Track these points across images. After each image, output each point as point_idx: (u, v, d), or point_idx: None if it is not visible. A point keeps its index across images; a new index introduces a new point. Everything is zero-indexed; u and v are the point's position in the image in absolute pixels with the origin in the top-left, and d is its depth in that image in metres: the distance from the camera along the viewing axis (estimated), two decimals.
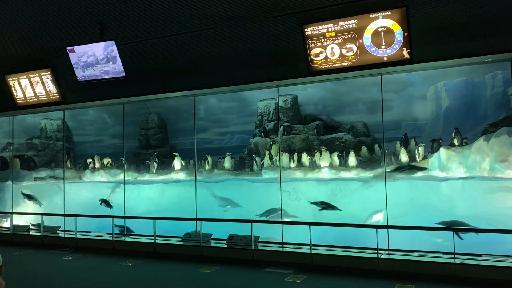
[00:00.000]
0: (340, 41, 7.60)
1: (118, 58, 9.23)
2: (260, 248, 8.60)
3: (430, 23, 7.13)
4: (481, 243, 7.51)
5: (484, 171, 8.17)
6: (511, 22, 6.86)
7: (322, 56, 7.77)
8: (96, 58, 9.46)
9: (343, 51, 7.64)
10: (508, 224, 7.44)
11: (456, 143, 8.75)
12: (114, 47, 9.12)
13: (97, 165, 13.04)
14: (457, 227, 7.64)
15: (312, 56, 7.83)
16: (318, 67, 7.89)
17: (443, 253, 7.44)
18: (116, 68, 9.39)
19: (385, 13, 7.10)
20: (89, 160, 13.28)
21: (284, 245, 8.83)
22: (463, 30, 7.05)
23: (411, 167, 9.10)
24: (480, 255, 7.22)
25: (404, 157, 9.29)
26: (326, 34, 7.59)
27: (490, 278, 6.55)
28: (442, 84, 9.27)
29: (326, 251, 8.10)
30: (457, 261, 6.94)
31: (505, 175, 7.83)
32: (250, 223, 8.72)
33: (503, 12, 6.74)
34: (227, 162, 11.26)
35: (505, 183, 7.86)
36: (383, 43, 7.28)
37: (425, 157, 9.05)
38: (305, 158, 10.27)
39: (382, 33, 7.24)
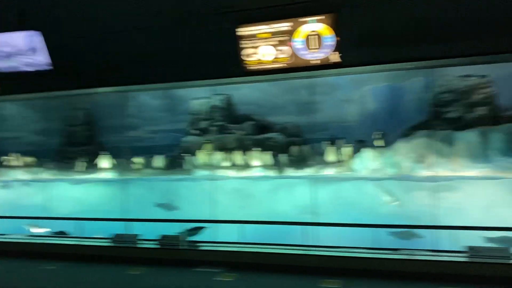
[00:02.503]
0: (273, 43, 7.72)
1: (44, 49, 8.63)
2: (192, 248, 8.51)
3: (360, 29, 7.47)
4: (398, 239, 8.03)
5: (404, 171, 8.78)
6: (430, 32, 7.36)
7: (255, 57, 7.86)
8: (18, 49, 8.78)
9: (276, 53, 7.78)
10: (424, 220, 8.01)
11: (379, 144, 9.29)
12: (40, 38, 8.51)
13: (16, 162, 12.14)
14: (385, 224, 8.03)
15: (245, 57, 7.88)
16: (251, 68, 7.96)
17: (368, 248, 7.82)
18: (41, 60, 8.77)
19: (318, 18, 7.31)
20: (3, 158, 12.29)
21: (217, 244, 8.80)
22: (390, 37, 7.47)
23: (338, 167, 9.53)
24: (396, 249, 7.67)
25: (331, 157, 9.69)
26: (259, 35, 7.69)
27: (408, 271, 7.02)
28: (367, 89, 9.80)
29: (258, 249, 8.20)
30: (380, 256, 7.35)
31: (422, 175, 8.46)
32: (182, 223, 8.60)
33: (424, 22, 7.22)
34: (159, 161, 11.02)
35: (422, 182, 8.49)
36: (316, 47, 7.51)
37: (350, 158, 9.51)
38: (239, 157, 10.35)
39: (315, 37, 7.46)
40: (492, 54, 7.32)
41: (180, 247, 8.43)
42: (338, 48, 7.17)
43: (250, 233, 8.46)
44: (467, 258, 6.96)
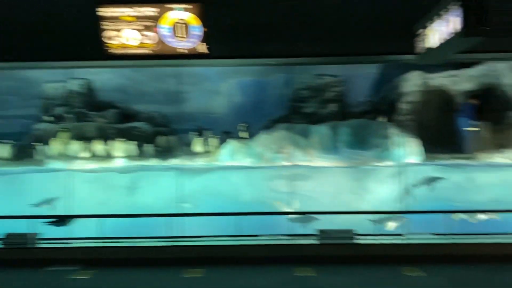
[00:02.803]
0: (138, 27, 7.38)
1: None
2: (41, 246, 7.70)
3: (228, 22, 7.57)
4: (262, 225, 8.43)
5: (265, 161, 9.27)
6: (293, 30, 7.81)
7: (118, 40, 7.42)
8: None
9: (142, 38, 7.46)
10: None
11: (244, 136, 9.64)
12: None
13: None
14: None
15: (106, 39, 7.38)
16: (113, 52, 7.48)
17: (231, 236, 8.02)
18: None
19: (186, 6, 7.20)
20: None
21: (72, 241, 8.13)
22: (256, 32, 7.72)
23: (204, 157, 9.61)
24: (257, 235, 8.05)
25: (198, 148, 9.73)
26: (122, 18, 7.27)
27: (269, 256, 7.40)
28: (234, 82, 10.08)
29: (118, 243, 7.81)
30: (242, 243, 7.63)
31: (281, 164, 9.03)
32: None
33: (289, 21, 7.62)
34: (4, 150, 9.70)
35: (280, 171, 9.06)
36: (183, 36, 7.38)
37: (216, 148, 9.68)
38: (99, 147, 9.69)
39: (183, 25, 7.33)
40: (343, 56, 8.05)
41: (29, 246, 7.57)
42: (206, 39, 7.17)
43: (111, 228, 8.01)
44: (318, 240, 7.63)
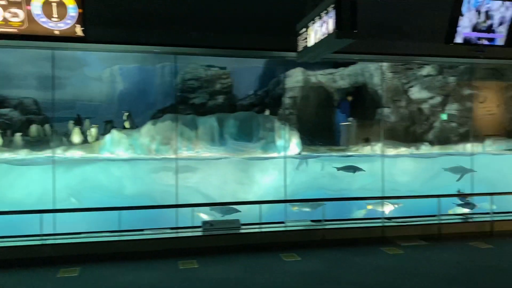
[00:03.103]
0: (3, 2, 6.56)
1: None
2: None
3: (107, 4, 7.10)
4: (145, 219, 8.19)
5: (150, 152, 8.99)
6: (178, 19, 7.62)
7: None
8: None
9: (7, 15, 6.63)
10: (169, 200, 8.41)
11: (127, 126, 9.22)
12: None
13: None
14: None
15: None
16: None
17: (111, 231, 7.64)
18: None
19: None
20: None
21: None
22: (138, 17, 7.37)
23: (84, 148, 8.98)
24: (142, 229, 7.83)
25: (77, 138, 9.06)
26: None
27: (152, 250, 7.23)
28: (117, 68, 9.55)
29: None
30: (122, 238, 7.33)
31: (167, 156, 8.85)
32: None
33: (173, 9, 7.41)
34: None
35: (167, 163, 8.88)
36: (56, 16, 6.75)
37: (97, 139, 9.11)
38: None
39: (55, 4, 6.70)
40: (232, 49, 8.11)
41: None
42: (81, 21, 6.65)
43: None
44: (203, 232, 7.67)
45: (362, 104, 11.04)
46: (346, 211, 9.40)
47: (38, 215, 7.18)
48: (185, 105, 9.88)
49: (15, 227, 7.60)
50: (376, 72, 10.92)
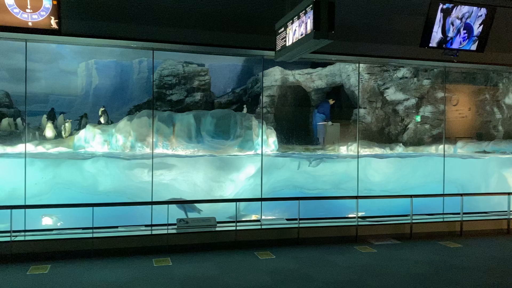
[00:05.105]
0: None
1: None
2: None
3: None
4: (119, 216, 8.08)
5: (126, 149, 8.86)
6: (157, 13, 7.51)
7: None
8: None
9: None
10: (143, 196, 8.31)
11: (103, 121, 9.07)
12: None
13: None
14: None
15: None
16: None
17: (85, 228, 7.48)
18: None
19: None
20: None
21: None
22: (114, 11, 7.24)
23: (57, 143, 8.79)
24: (116, 227, 7.73)
25: (50, 133, 8.86)
26: None
27: (126, 247, 7.14)
28: (93, 62, 9.40)
29: None
30: (95, 235, 7.21)
31: (142, 153, 8.74)
32: None
33: (154, 1, 7.29)
34: None
35: (142, 160, 8.78)
36: (29, 7, 6.59)
37: (71, 134, 8.94)
38: None
39: None
40: (210, 45, 8.06)
41: None
42: (55, 13, 6.51)
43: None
44: (178, 229, 7.62)
45: (339, 105, 11.18)
46: (322, 210, 9.50)
47: (7, 211, 6.99)
48: (162, 102, 9.79)
49: None
50: (353, 73, 11.07)
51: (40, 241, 6.99)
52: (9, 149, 8.73)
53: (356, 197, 8.61)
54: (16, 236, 7.03)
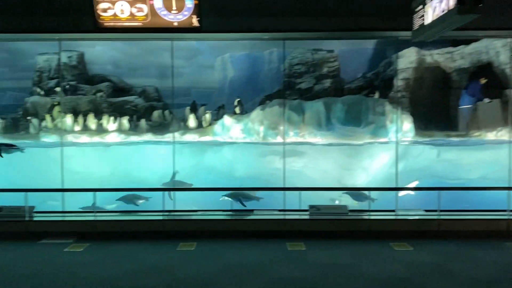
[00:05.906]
0: None
1: None
2: (36, 219, 7.76)
3: None
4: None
5: (259, 137, 9.26)
6: (286, 5, 7.65)
7: (111, 12, 7.27)
8: None
9: (133, 10, 7.30)
10: (275, 182, 8.59)
11: (238, 111, 9.59)
12: None
13: None
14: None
15: (99, 11, 7.23)
16: (106, 24, 7.34)
17: (225, 210, 8.06)
18: None
19: None
20: None
21: (65, 214, 8.20)
22: (248, 6, 7.57)
23: (199, 133, 9.58)
24: (252, 210, 8.13)
25: (192, 123, 9.70)
26: None
27: (261, 230, 7.49)
28: (228, 56, 9.94)
29: (111, 217, 7.88)
30: (236, 217, 7.71)
31: (275, 141, 9.03)
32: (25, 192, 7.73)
33: None
34: None
35: (274, 147, 9.07)
36: (174, 8, 7.25)
37: (210, 124, 9.65)
38: (92, 121, 9.64)
39: None
40: (339, 31, 7.91)
41: (23, 219, 7.61)
42: (197, 12, 7.04)
43: (100, 201, 8.05)
44: (310, 215, 7.71)
45: (485, 85, 9.98)
46: (463, 202, 8.66)
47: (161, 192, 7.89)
48: (291, 90, 9.96)
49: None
50: (504, 50, 9.74)
51: (185, 221, 7.74)
52: (159, 138, 9.82)
53: (509, 188, 7.65)
54: (168, 215, 7.89)
